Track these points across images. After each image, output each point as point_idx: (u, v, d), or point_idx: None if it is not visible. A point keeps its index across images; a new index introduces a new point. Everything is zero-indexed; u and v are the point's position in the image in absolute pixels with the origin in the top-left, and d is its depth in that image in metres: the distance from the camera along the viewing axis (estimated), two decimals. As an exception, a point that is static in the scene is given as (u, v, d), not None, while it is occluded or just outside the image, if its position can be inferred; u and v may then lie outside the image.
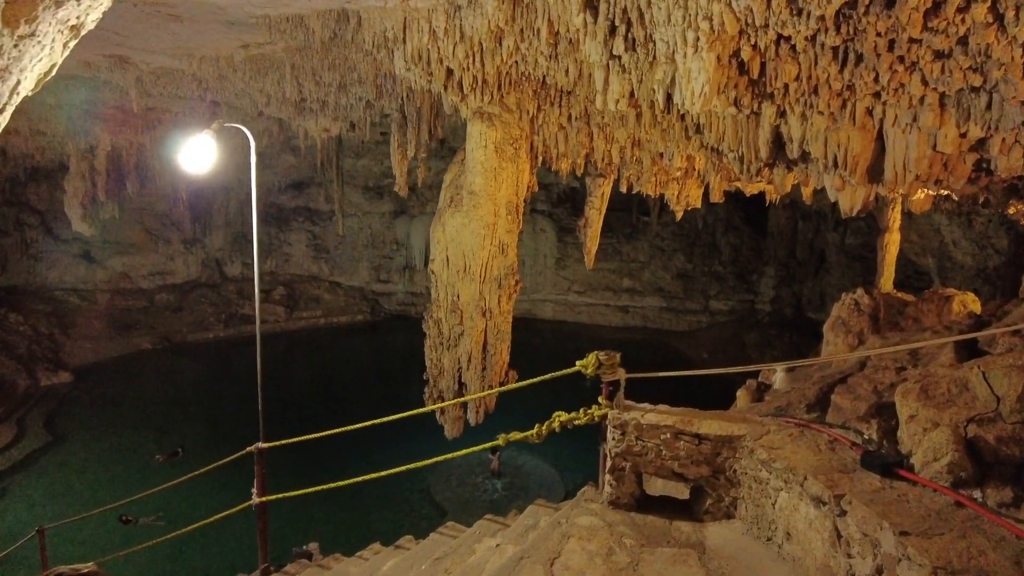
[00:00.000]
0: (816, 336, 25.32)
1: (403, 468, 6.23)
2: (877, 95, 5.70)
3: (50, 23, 2.69)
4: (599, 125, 9.44)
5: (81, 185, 18.15)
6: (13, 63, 2.60)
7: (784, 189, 8.79)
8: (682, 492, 4.97)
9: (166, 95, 15.20)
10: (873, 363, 5.13)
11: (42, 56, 2.83)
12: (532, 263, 29.41)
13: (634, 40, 6.73)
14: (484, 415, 10.32)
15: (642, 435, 4.66)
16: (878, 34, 4.91)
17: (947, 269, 17.17)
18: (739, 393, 7.65)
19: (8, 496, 18.37)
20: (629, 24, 6.62)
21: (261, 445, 6.12)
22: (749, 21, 5.50)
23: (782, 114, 6.54)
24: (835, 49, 5.48)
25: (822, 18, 5.07)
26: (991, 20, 4.38)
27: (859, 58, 5.39)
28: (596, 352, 4.80)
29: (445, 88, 9.09)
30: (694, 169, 9.98)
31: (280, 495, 6.33)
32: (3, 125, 2.80)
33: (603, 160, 10.33)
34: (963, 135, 5.45)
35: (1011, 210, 9.65)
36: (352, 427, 6.32)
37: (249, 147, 7.31)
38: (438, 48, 8.52)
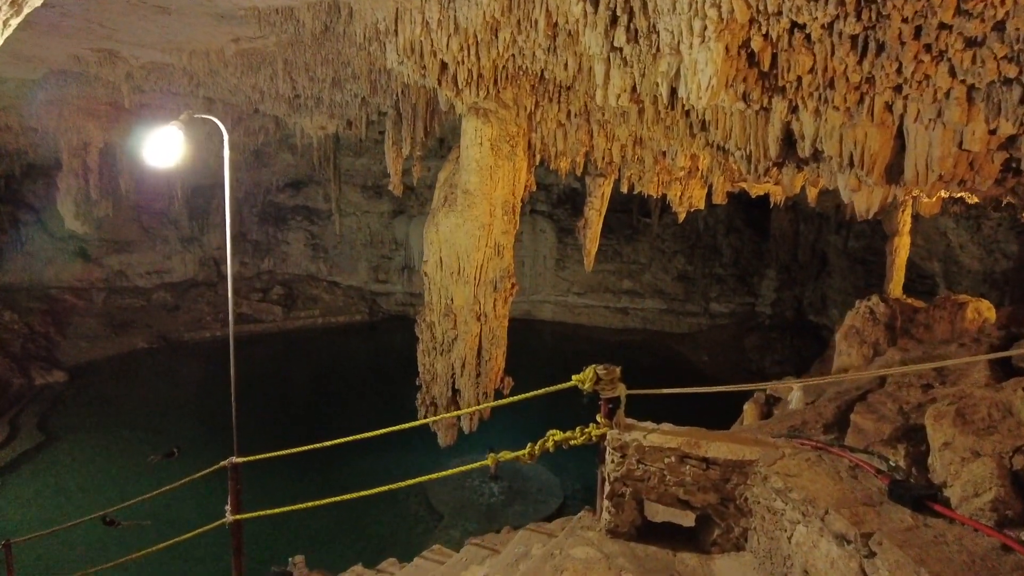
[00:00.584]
0: (817, 339, 24.99)
1: (394, 486, 5.75)
2: (898, 88, 5.23)
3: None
4: (599, 122, 8.98)
5: (74, 182, 17.71)
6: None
7: (793, 190, 8.33)
8: (687, 518, 4.51)
9: (158, 91, 14.75)
10: (895, 379, 4.66)
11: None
12: (531, 264, 28.95)
13: (636, 31, 6.28)
14: (478, 423, 9.87)
15: (644, 458, 4.20)
16: (904, 20, 4.45)
17: (953, 273, 16.69)
18: (746, 407, 7.19)
19: (1, 496, 17.96)
20: (631, 14, 6.17)
21: (235, 459, 5.68)
22: (761, 8, 5.05)
23: (794, 110, 6.08)
24: (854, 38, 5.02)
25: (842, 3, 4.61)
26: (1034, 2, 3.93)
27: (880, 47, 4.93)
28: (594, 366, 4.35)
29: (439, 83, 8.63)
30: (697, 169, 9.52)
31: (257, 513, 5.88)
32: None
33: (603, 159, 9.87)
34: (992, 132, 4.98)
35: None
36: (335, 442, 5.87)
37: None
38: (431, 40, 8.07)
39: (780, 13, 5.14)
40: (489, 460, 4.72)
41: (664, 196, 11.30)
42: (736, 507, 4.08)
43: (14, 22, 3.60)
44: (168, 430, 20.99)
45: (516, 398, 4.95)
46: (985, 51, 4.39)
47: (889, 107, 5.44)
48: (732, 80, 5.88)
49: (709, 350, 25.78)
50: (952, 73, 4.75)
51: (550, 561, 4.11)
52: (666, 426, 4.42)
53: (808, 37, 5.30)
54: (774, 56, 5.66)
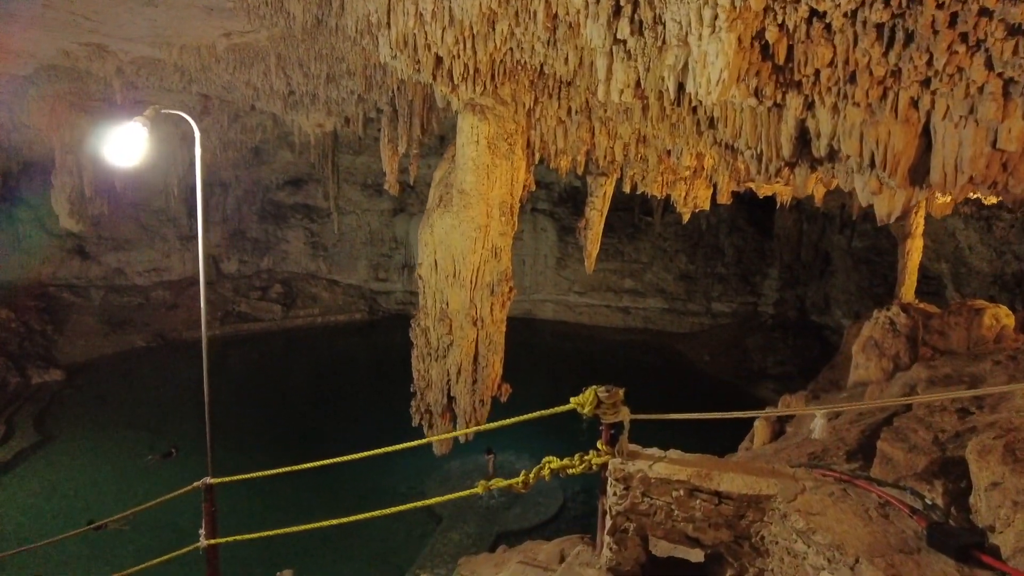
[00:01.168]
0: (820, 340, 24.48)
1: (388, 511, 5.30)
2: (926, 83, 4.77)
3: None
4: (601, 119, 8.51)
5: (68, 180, 17.28)
6: None
7: (804, 191, 7.87)
8: (695, 554, 4.06)
9: (151, 87, 14.31)
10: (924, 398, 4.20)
11: None
12: (532, 263, 28.50)
13: (641, 22, 5.81)
14: (474, 432, 9.41)
15: (649, 491, 3.75)
16: (939, 5, 3.99)
17: (961, 275, 16.20)
18: (757, 424, 6.71)
19: (-2, 496, 17.61)
20: (636, 3, 5.69)
21: (209, 480, 5.23)
22: (778, -6, 4.59)
23: (810, 106, 5.61)
24: (880, 27, 4.55)
25: (869, -13, 4.16)
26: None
27: (909, 37, 4.46)
28: (595, 387, 3.89)
29: (434, 78, 8.16)
30: (703, 168, 9.05)
31: (233, 538, 5.44)
32: None
33: (605, 158, 9.40)
34: (1030, 130, 4.52)
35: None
36: (318, 463, 5.41)
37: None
38: (425, 33, 7.59)
39: (798, 0, 4.69)
40: (479, 488, 4.28)
41: (667, 196, 10.83)
42: (751, 546, 3.63)
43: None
44: (166, 430, 20.59)
45: (508, 421, 4.50)
46: (1029, 40, 3.93)
47: (915, 103, 4.97)
48: (744, 74, 5.41)
49: (711, 350, 25.31)
50: (989, 65, 4.28)
51: (545, 605, 3.67)
52: (674, 454, 3.96)
53: (828, 27, 4.84)
54: (790, 48, 5.19)
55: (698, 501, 3.66)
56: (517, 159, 8.58)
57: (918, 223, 10.63)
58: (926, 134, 5.16)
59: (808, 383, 21.47)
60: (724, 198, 10.56)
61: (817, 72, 5.09)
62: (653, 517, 3.74)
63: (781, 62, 5.22)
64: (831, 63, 4.94)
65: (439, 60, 8.03)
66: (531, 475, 4.13)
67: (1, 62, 13.91)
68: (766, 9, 4.84)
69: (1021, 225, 13.60)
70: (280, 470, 5.27)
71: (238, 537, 5.50)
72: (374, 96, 11.86)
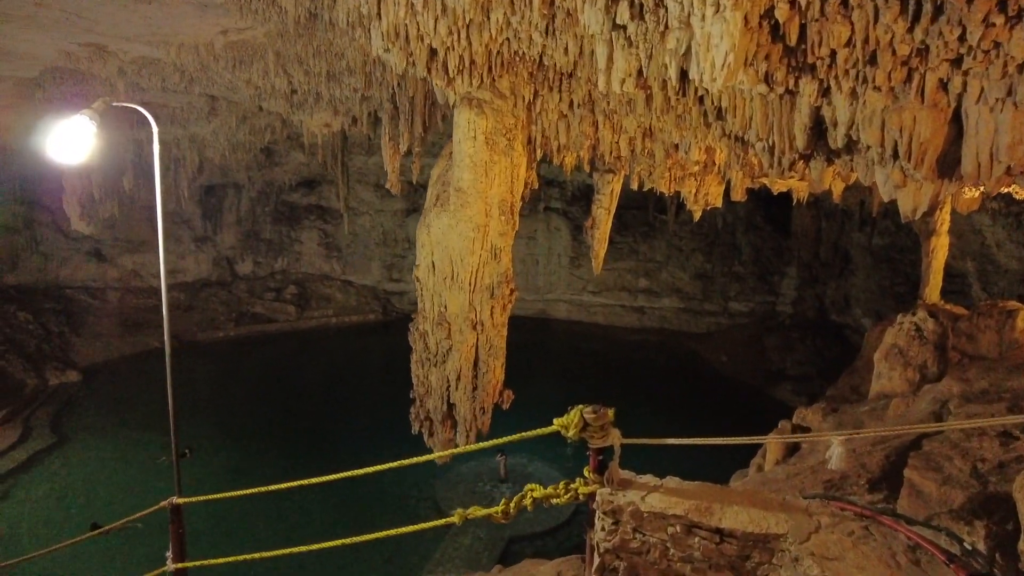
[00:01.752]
0: (840, 339, 23.68)
1: (382, 534, 4.85)
2: (957, 62, 4.21)
3: None
4: (605, 112, 7.99)
5: (78, 183, 17.10)
6: None
7: (821, 186, 7.30)
8: (696, 594, 3.55)
9: (155, 89, 14.02)
10: (957, 418, 3.66)
11: None
12: (546, 262, 28.00)
13: (642, 5, 5.30)
14: (476, 438, 8.95)
15: (642, 526, 3.25)
16: (974, -31, 3.44)
17: (988, 273, 15.43)
18: (768, 441, 6.15)
19: (9, 499, 17.52)
20: (635, -16, 5.21)
21: (176, 500, 4.83)
22: (789, -35, 4.06)
23: (825, 92, 5.06)
24: (904, 0, 4.01)
25: (892, -47, 3.62)
26: None
27: (938, 10, 3.91)
28: (580, 407, 3.40)
29: (428, 71, 7.71)
30: (714, 163, 8.50)
31: (202, 562, 5.02)
32: None
33: (611, 153, 8.87)
34: (1078, 113, 3.95)
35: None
36: (306, 482, 4.96)
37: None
38: (417, 24, 7.14)
39: (812, -28, 4.17)
40: (456, 517, 3.81)
41: (679, 193, 10.27)
42: (759, 592, 3.12)
43: None
44: (180, 431, 20.40)
45: (496, 441, 4.03)
46: (1080, 8, 3.37)
47: (944, 85, 4.41)
48: (752, 57, 4.88)
49: (728, 350, 24.63)
50: (1031, 39, 3.73)
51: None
52: (671, 482, 3.46)
53: (845, 2, 4.30)
54: (803, 27, 4.65)
55: (697, 539, 3.16)
56: (517, 155, 8.09)
57: (943, 219, 9.93)
58: (956, 120, 4.60)
59: (827, 385, 20.81)
60: (738, 195, 9.99)
61: (833, 53, 4.55)
62: (646, 556, 3.24)
63: (793, 43, 4.69)
64: (849, 42, 4.40)
65: (433, 52, 7.58)
66: (512, 504, 3.65)
67: (6, 65, 13.69)
68: (776, -17, 4.33)
69: (1053, 221, 12.86)
70: (254, 490, 4.85)
71: (209, 561, 5.09)
72: (376, 93, 11.44)
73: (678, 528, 3.18)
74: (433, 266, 8.29)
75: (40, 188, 22.83)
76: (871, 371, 8.51)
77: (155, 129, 4.65)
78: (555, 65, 7.49)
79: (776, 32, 4.72)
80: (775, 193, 10.14)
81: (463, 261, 8.07)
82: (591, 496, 3.43)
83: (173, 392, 4.93)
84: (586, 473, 3.45)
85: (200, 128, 17.38)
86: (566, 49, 7.04)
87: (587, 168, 10.55)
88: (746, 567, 3.12)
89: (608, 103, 7.62)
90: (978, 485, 3.00)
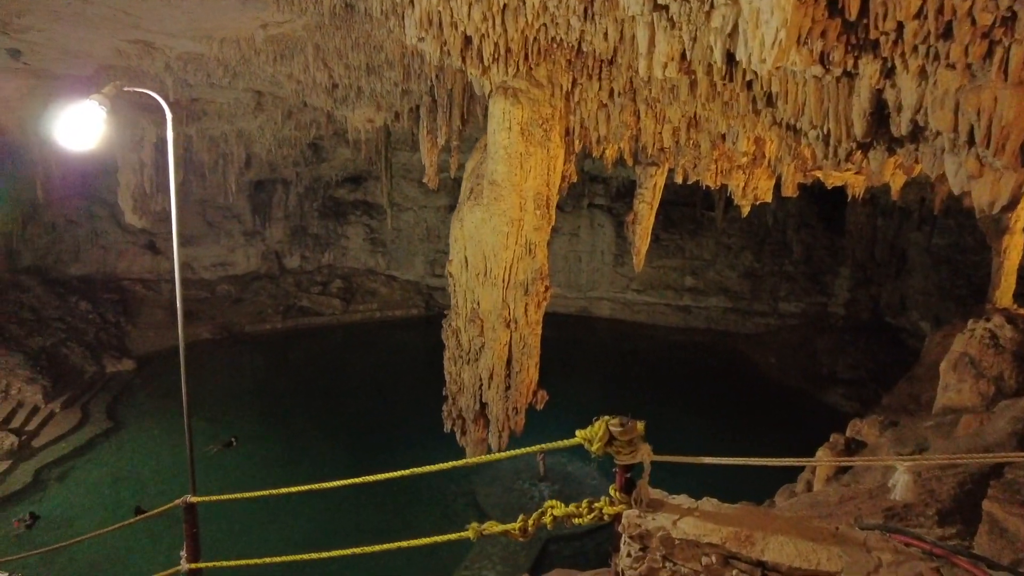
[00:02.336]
0: (896, 343, 22.51)
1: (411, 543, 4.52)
2: (1048, 33, 3.66)
3: None
4: (647, 101, 7.53)
5: (132, 178, 17.40)
6: None
7: (880, 179, 6.70)
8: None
9: (202, 84, 14.12)
10: (1042, 442, 3.13)
11: None
12: (588, 259, 27.48)
13: (685, -19, 4.86)
14: (508, 438, 8.63)
15: (672, 554, 2.86)
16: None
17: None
18: (819, 454, 5.59)
19: (68, 480, 18.05)
20: (678, -43, 4.77)
21: (190, 499, 4.63)
22: (852, -75, 3.57)
23: (889, 72, 4.54)
24: (987, -39, 3.49)
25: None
26: None
27: (1028, -29, 3.38)
28: (606, 418, 3.02)
29: (463, 60, 7.39)
30: (763, 155, 7.94)
31: (217, 563, 4.81)
32: None
33: (654, 145, 8.40)
34: None
35: None
36: (325, 485, 4.69)
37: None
38: (451, 10, 6.82)
39: (877, -67, 3.67)
40: (471, 532, 3.47)
41: (725, 187, 9.72)
42: (806, 636, 2.69)
43: None
44: (227, 420, 20.71)
45: (517, 452, 3.67)
46: None
47: (1030, 61, 3.85)
48: (806, 35, 4.39)
49: (777, 352, 23.70)
50: None
51: None
52: (708, 504, 3.05)
53: (916, -33, 3.79)
54: (864, 0, 4.15)
55: (735, 572, 2.75)
56: (554, 147, 7.70)
57: (1018, 216, 9.06)
58: (1044, 101, 4.02)
59: (881, 390, 19.78)
60: (789, 190, 9.38)
61: (900, 27, 4.03)
62: (676, 588, 2.84)
63: (853, 17, 4.18)
64: (919, 13, 3.88)
65: (467, 40, 7.24)
66: (530, 521, 3.30)
67: (64, 64, 13.96)
68: (835, -52, 3.84)
69: None
70: (265, 492, 4.61)
71: (224, 563, 4.88)
72: (415, 87, 11.19)
73: (714, 559, 2.78)
74: (466, 261, 7.98)
75: (100, 183, 23.44)
76: (933, 379, 7.85)
77: (168, 115, 4.44)
78: (594, 52, 7.08)
79: (834, 5, 4.23)
80: (829, 187, 9.48)
81: (496, 256, 7.74)
82: (617, 517, 3.05)
83: (188, 393, 4.72)
84: (612, 492, 3.07)
85: (247, 123, 17.49)
86: (605, 34, 6.62)
87: (629, 161, 10.09)
88: (792, 607, 2.70)
89: (650, 91, 7.16)
90: (1076, 524, 2.52)
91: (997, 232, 9.22)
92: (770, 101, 5.90)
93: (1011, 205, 8.74)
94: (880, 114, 5.06)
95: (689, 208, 26.63)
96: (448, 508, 17.06)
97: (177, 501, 4.67)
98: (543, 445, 3.36)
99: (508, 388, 8.19)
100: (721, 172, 8.38)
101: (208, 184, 22.81)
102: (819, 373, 21.84)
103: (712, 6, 4.84)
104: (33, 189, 21.13)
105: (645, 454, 2.99)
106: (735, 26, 4.62)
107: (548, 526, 3.29)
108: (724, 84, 5.88)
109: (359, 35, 10.39)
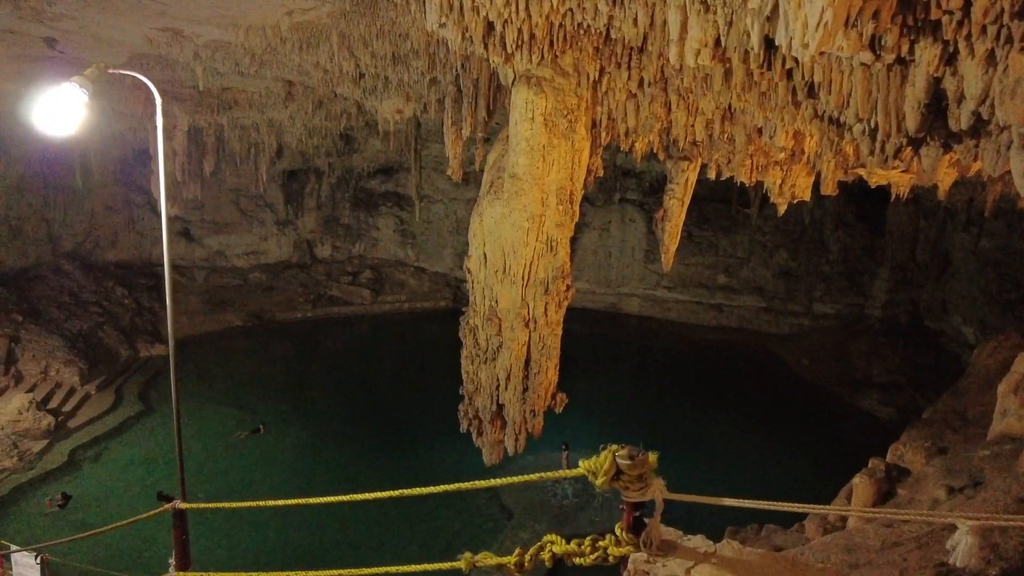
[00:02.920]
0: (935, 348, 21.51)
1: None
2: None
3: None
4: (679, 92, 7.03)
5: (167, 165, 17.37)
6: None
7: (931, 178, 6.12)
8: None
9: (233, 73, 13.97)
10: None
11: None
12: (619, 255, 26.90)
13: (721, -41, 4.39)
14: (526, 441, 8.25)
15: (685, 608, 2.45)
16: None
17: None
18: (857, 482, 5.08)
19: (102, 459, 18.36)
20: (713, -69, 4.29)
21: (180, 504, 4.36)
22: None
23: (950, 58, 4.01)
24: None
25: None
26: None
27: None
28: (612, 448, 2.62)
29: (485, 46, 6.97)
30: (803, 151, 7.39)
31: (210, 575, 4.53)
32: None
33: (686, 138, 7.90)
34: None
35: None
36: (323, 500, 4.38)
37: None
38: (472, -7, 6.43)
39: None
40: (462, 563, 3.12)
41: (761, 183, 9.15)
42: None
43: None
44: (256, 407, 20.79)
45: (519, 479, 3.28)
46: None
47: (1120, 45, 3.30)
48: (855, 15, 3.88)
49: (811, 354, 22.88)
50: None
51: None
52: (727, 548, 2.62)
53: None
54: (926, -26, 3.64)
55: (758, 635, 2.33)
56: (579, 139, 7.26)
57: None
58: None
59: (919, 396, 18.89)
60: (829, 188, 8.77)
61: (967, 5, 3.51)
62: (689, 649, 2.43)
63: (911, -5, 3.68)
64: (990, -11, 3.37)
65: (490, 26, 6.83)
66: (527, 556, 2.92)
67: (97, 52, 13.94)
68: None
69: None
70: (258, 503, 4.33)
71: (214, 575, 4.60)
72: (440, 76, 10.83)
73: (733, 617, 2.38)
74: (485, 258, 7.61)
75: (136, 171, 23.66)
76: (981, 394, 7.23)
77: (158, 100, 4.15)
78: (623, 38, 6.61)
79: (889, -18, 3.72)
80: (872, 186, 8.85)
81: (516, 253, 7.34)
82: (623, 560, 2.66)
83: (177, 395, 4.43)
84: (618, 531, 2.68)
85: (277, 113, 17.37)
86: (635, 19, 6.15)
87: (661, 155, 9.58)
88: None
89: (682, 80, 6.67)
90: None
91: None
92: (811, 92, 5.37)
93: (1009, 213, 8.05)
94: (937, 106, 4.52)
95: (723, 205, 25.86)
96: (470, 502, 16.84)
97: (167, 506, 4.42)
98: (543, 474, 2.99)
99: (526, 390, 7.81)
100: (756, 168, 7.84)
101: (241, 173, 22.85)
102: (853, 377, 21.02)
103: (750, -14, 4.36)
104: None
105: (657, 491, 2.58)
106: (775, 7, 4.13)
107: (547, 563, 2.91)
108: (761, 73, 5.37)
109: (384, 23, 10.07)
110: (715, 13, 4.94)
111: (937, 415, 8.02)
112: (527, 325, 7.64)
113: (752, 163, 7.73)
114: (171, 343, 4.44)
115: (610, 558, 2.67)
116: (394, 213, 28.48)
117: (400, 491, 3.38)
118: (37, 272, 23.06)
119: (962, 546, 2.26)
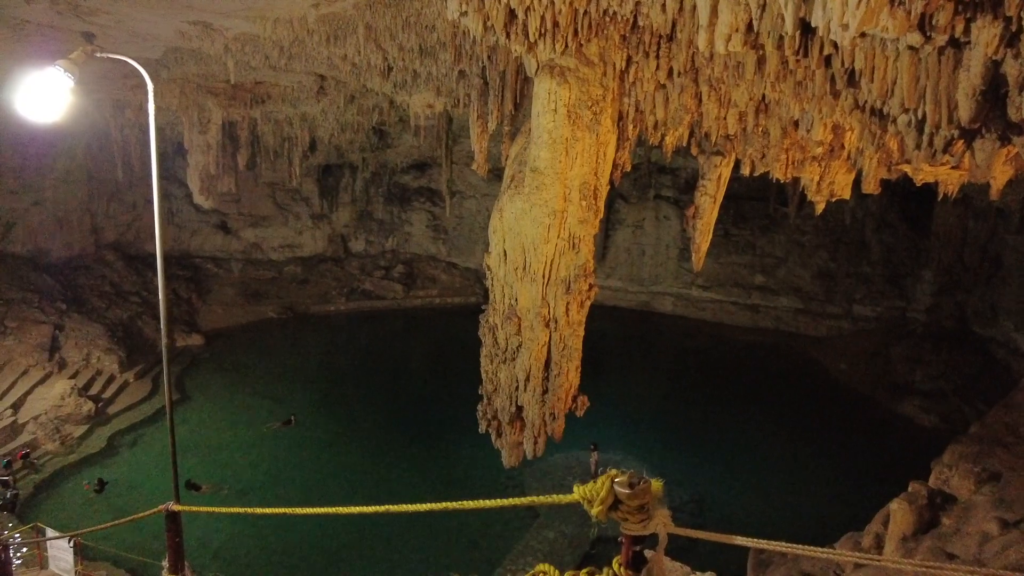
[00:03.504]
0: (983, 355, 20.42)
1: None
2: None
3: None
4: (710, 82, 6.61)
5: (201, 159, 17.53)
6: None
7: (986, 174, 5.60)
8: None
9: (263, 67, 13.92)
10: None
11: None
12: (653, 253, 26.33)
13: (754, -66, 4.00)
14: (545, 444, 7.94)
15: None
16: None
17: None
18: (895, 507, 4.61)
19: (139, 446, 18.67)
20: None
21: (172, 507, 4.18)
22: None
23: (1011, 39, 3.56)
24: None
25: None
26: None
27: None
28: (611, 473, 2.30)
29: (507, 35, 6.66)
30: (842, 146, 6.90)
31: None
32: None
33: (718, 131, 7.47)
34: None
35: None
36: (329, 510, 4.16)
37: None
38: (493, -21, 6.13)
39: None
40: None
41: (798, 181, 8.64)
42: None
43: None
44: (288, 399, 20.90)
45: (509, 501, 2.98)
46: None
47: None
48: (904, -8, 3.47)
49: (849, 358, 22.03)
50: None
51: None
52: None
53: None
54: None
55: None
56: (604, 132, 6.90)
57: None
58: None
59: (965, 405, 17.99)
60: (871, 186, 8.21)
61: (1033, -24, 3.08)
62: None
63: (968, -32, 3.24)
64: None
65: (512, 13, 6.52)
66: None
67: (133, 46, 14.03)
68: None
69: None
70: (252, 510, 4.11)
71: (208, 577, 4.42)
72: (467, 68, 10.54)
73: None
74: (504, 255, 7.31)
75: (176, 164, 23.97)
76: (1035, 408, 6.65)
77: (150, 86, 3.94)
78: (651, 25, 6.23)
79: (943, -47, 3.30)
80: (918, 184, 8.27)
81: (536, 250, 7.02)
82: (621, 599, 2.34)
83: (170, 405, 4.24)
84: (615, 567, 2.36)
85: (310, 107, 17.31)
86: (663, 5, 5.78)
87: (693, 150, 9.15)
88: None
89: (713, 70, 6.26)
90: None
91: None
92: (852, 80, 4.92)
93: None
94: (994, 94, 4.06)
95: (761, 203, 25.09)
96: (499, 496, 16.63)
97: (160, 508, 4.25)
98: (538, 497, 2.68)
99: (545, 392, 7.50)
100: (792, 164, 7.34)
101: (277, 167, 22.99)
102: (894, 382, 20.15)
103: (786, -36, 3.96)
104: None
105: (660, 523, 2.25)
106: (812, -16, 3.73)
107: (537, 594, 2.60)
108: (797, 60, 4.94)
109: (409, 14, 9.84)
110: (747, -5, 4.55)
111: (986, 430, 7.39)
112: (547, 325, 7.32)
113: (787, 158, 7.24)
114: (164, 346, 4.23)
115: (606, 596, 2.35)
116: (426, 208, 28.38)
117: (386, 507, 3.11)
118: (81, 262, 23.58)
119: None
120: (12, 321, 19.84)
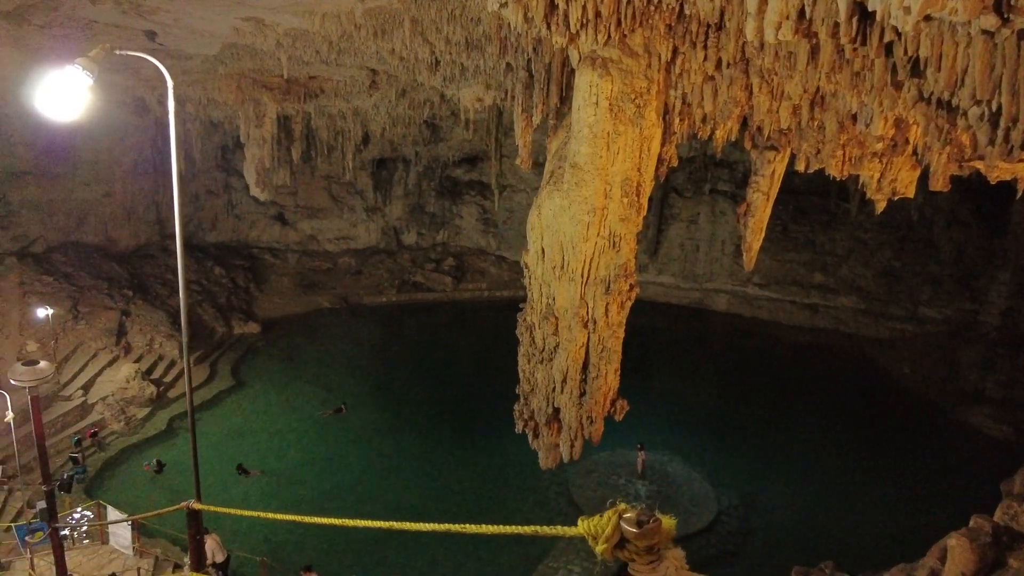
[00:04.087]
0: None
1: None
2: None
3: None
4: (761, 73, 6.21)
5: (257, 152, 17.88)
6: None
7: (1068, 173, 5.05)
8: None
9: (315, 61, 14.05)
10: None
11: None
12: (707, 249, 25.58)
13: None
14: (582, 447, 7.71)
15: None
16: None
17: None
18: (953, 543, 4.19)
19: (197, 429, 19.13)
20: None
21: (193, 504, 4.15)
22: None
23: (1102, 23, 3.12)
24: None
25: None
26: None
27: None
28: (616, 508, 2.07)
29: (548, 26, 6.41)
30: (906, 141, 6.38)
31: None
32: None
33: (771, 125, 7.04)
34: None
35: None
36: (348, 522, 4.04)
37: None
38: (533, -31, 5.89)
39: None
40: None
41: (856, 178, 8.09)
42: None
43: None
44: (339, 387, 21.24)
45: (524, 530, 2.76)
46: None
47: None
48: (976, -30, 3.08)
49: (912, 361, 20.90)
50: None
51: None
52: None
53: None
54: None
55: None
56: (648, 125, 6.58)
57: None
58: None
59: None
60: (939, 184, 7.58)
61: None
62: None
63: (1052, -59, 2.84)
64: None
65: (552, 4, 6.26)
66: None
67: (193, 43, 14.36)
68: None
69: None
70: (269, 514, 4.03)
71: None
72: (512, 60, 10.31)
73: None
74: (543, 253, 7.09)
75: (236, 157, 24.57)
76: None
77: (170, 82, 3.88)
78: (698, 15, 5.88)
79: (1022, -75, 2.89)
80: (993, 182, 7.61)
81: (575, 248, 6.78)
82: (627, 645, 2.12)
83: (191, 407, 4.19)
84: (622, 612, 2.14)
85: (362, 101, 17.42)
86: (711, -8, 5.43)
87: (746, 144, 8.69)
88: None
89: (764, 60, 5.86)
90: None
91: None
92: (916, 69, 4.48)
93: None
94: (1079, 84, 3.60)
95: (822, 198, 24.03)
96: (541, 495, 16.53)
97: (181, 505, 4.23)
98: (541, 528, 2.47)
99: (583, 395, 7.25)
100: (849, 160, 6.82)
101: (332, 161, 23.31)
102: (961, 389, 19.00)
103: (843, -56, 3.60)
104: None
105: (672, 566, 2.01)
106: (870, -36, 3.36)
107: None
108: (854, 49, 4.53)
109: (454, 7, 9.69)
110: (800, -21, 4.18)
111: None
112: (585, 326, 7.06)
113: (844, 155, 6.74)
114: (185, 344, 4.18)
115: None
116: (477, 202, 28.33)
117: (389, 523, 2.95)
118: (147, 252, 24.49)
119: None
120: (84, 307, 20.75)
